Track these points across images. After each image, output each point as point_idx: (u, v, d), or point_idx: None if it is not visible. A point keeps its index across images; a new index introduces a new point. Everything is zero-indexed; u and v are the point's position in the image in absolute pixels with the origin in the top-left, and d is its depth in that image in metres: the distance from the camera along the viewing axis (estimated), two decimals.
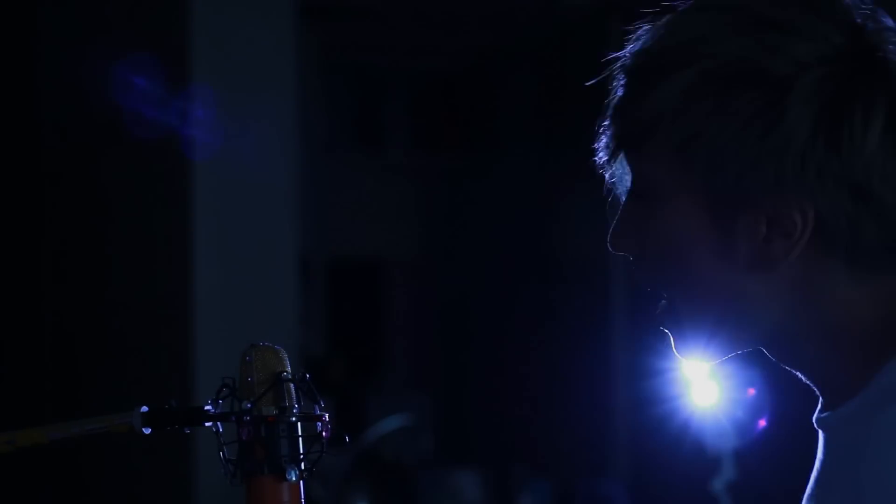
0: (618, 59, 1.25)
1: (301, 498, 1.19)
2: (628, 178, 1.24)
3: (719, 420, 3.04)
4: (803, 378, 1.25)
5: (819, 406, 1.24)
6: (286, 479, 1.18)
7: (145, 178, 3.97)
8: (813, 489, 1.21)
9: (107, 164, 4.06)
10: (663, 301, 1.24)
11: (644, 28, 1.24)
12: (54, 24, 4.18)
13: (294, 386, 1.20)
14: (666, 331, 1.25)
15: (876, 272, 1.19)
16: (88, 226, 4.11)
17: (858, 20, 1.19)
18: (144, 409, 1.22)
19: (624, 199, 1.25)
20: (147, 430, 1.22)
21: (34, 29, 4.21)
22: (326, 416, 1.20)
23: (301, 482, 1.19)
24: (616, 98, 1.23)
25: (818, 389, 1.24)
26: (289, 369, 1.20)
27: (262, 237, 3.92)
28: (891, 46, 1.19)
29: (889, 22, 1.21)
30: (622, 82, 1.23)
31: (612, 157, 1.24)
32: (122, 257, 4.03)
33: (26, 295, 4.25)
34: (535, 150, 5.78)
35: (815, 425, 1.24)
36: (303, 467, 1.19)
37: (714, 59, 1.17)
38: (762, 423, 2.84)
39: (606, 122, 1.24)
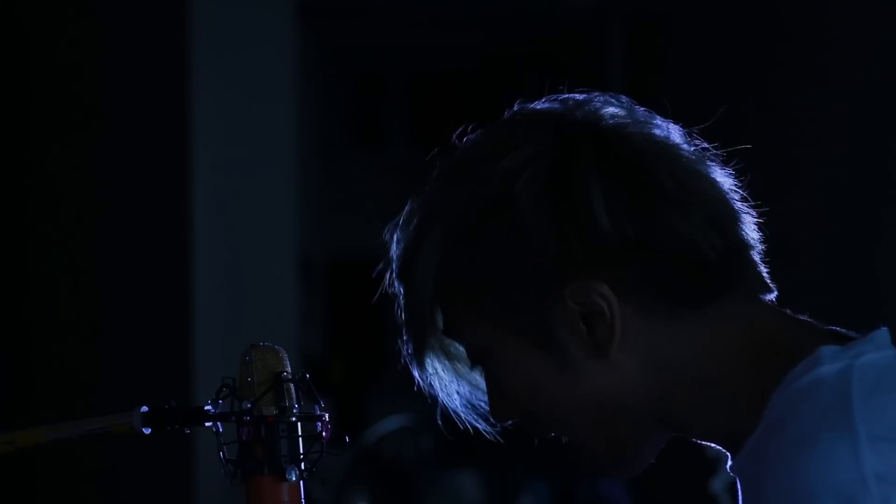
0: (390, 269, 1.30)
1: (301, 498, 1.19)
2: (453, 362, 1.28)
3: None
4: (708, 443, 1.25)
5: (729, 459, 1.23)
6: (286, 479, 1.18)
7: (145, 178, 3.97)
8: None
9: (106, 164, 4.06)
10: (566, 442, 1.28)
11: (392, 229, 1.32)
12: (51, 24, 4.18)
13: (294, 386, 1.20)
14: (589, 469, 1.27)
15: (703, 305, 1.20)
16: (88, 225, 4.11)
17: (570, 111, 1.23)
18: (144, 409, 1.22)
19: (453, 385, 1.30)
20: (147, 430, 1.22)
21: (29, 28, 4.21)
22: (326, 416, 1.20)
23: (301, 482, 1.19)
24: (401, 308, 1.27)
25: (722, 446, 1.24)
26: (289, 369, 1.20)
27: (262, 237, 3.92)
28: (602, 110, 1.22)
29: (592, 97, 1.25)
30: (400, 291, 1.27)
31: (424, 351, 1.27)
32: (122, 257, 4.03)
33: (25, 295, 4.25)
34: None
35: (731, 474, 1.23)
36: (303, 467, 1.19)
37: (445, 218, 1.22)
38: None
39: (407, 334, 1.27)
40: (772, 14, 4.23)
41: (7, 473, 4.13)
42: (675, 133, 1.25)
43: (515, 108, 1.31)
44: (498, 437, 1.34)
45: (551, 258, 1.17)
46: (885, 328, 1.21)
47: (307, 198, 4.56)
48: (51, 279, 4.21)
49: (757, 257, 1.23)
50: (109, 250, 4.06)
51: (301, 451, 1.19)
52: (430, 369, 1.29)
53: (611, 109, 1.24)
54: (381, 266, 1.32)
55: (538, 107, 1.27)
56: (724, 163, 1.27)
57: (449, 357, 1.30)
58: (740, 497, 1.22)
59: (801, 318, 1.24)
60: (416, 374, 1.30)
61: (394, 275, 1.28)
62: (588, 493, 4.69)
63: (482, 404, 1.33)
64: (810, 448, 1.10)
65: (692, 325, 1.20)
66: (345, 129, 6.04)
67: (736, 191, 1.24)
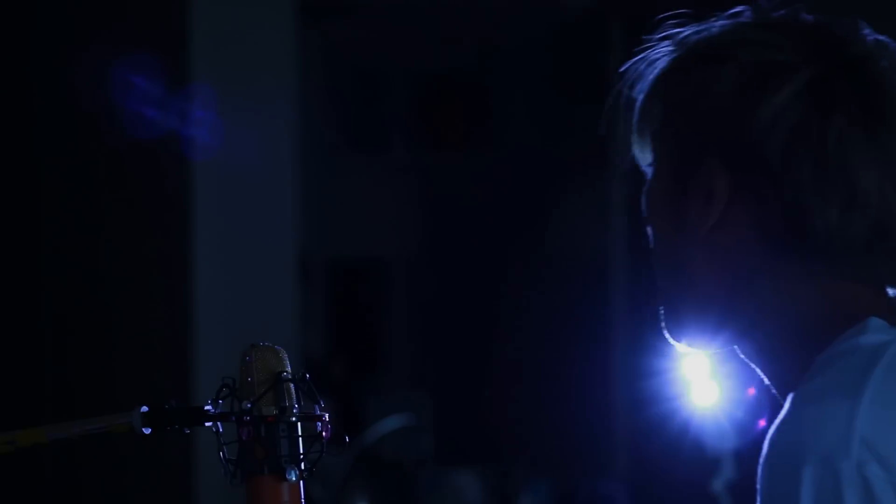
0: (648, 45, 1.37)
1: (301, 498, 1.19)
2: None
3: (719, 420, 3.04)
4: (766, 380, 1.28)
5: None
6: (286, 479, 1.18)
7: (145, 178, 3.97)
8: None
9: (105, 164, 4.06)
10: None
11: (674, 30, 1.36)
12: (50, 24, 4.18)
13: (294, 386, 1.20)
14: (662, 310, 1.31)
15: (840, 276, 1.22)
16: (88, 226, 4.11)
17: (849, 37, 1.26)
18: (144, 409, 1.22)
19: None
20: (147, 430, 1.22)
21: (29, 28, 4.21)
22: (326, 416, 1.20)
23: (301, 482, 1.19)
24: (662, 81, 1.32)
25: (769, 381, 1.27)
26: (289, 369, 1.20)
27: (262, 237, 3.92)
28: (882, 63, 1.24)
29: (878, 41, 1.27)
30: (667, 67, 1.32)
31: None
32: (122, 257, 4.03)
33: (24, 295, 4.25)
34: (535, 149, 5.78)
35: None
36: (303, 467, 1.19)
37: (745, 54, 1.24)
38: (762, 423, 2.84)
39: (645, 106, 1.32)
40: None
41: (8, 473, 4.13)
42: None
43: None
44: None
45: (722, 117, 1.22)
46: None
47: (307, 198, 4.55)
48: (51, 279, 4.21)
49: None
50: (110, 250, 4.06)
51: (301, 451, 1.19)
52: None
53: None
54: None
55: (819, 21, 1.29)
56: None
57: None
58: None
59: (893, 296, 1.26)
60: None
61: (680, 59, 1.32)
62: (588, 493, 4.69)
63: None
64: (812, 403, 1.13)
65: (820, 288, 1.22)
66: (345, 130, 6.04)
67: None
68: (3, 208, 4.28)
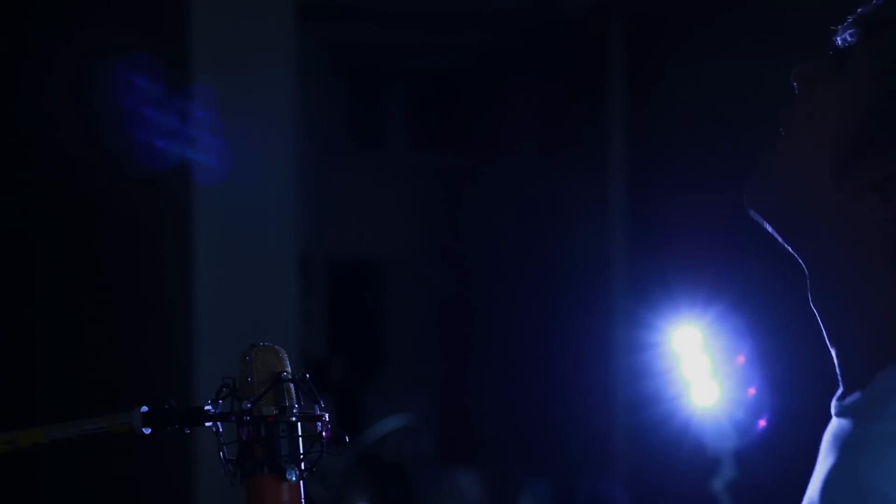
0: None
1: (301, 498, 1.19)
2: None
3: (719, 420, 3.04)
4: (833, 353, 1.25)
5: (838, 392, 1.24)
6: (286, 479, 1.18)
7: (144, 178, 3.97)
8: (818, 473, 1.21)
9: (105, 164, 4.06)
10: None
11: None
12: (50, 24, 4.18)
13: (294, 386, 1.20)
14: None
15: None
16: (88, 226, 4.11)
17: None
18: (144, 409, 1.22)
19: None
20: (147, 430, 1.22)
21: (29, 28, 4.21)
22: (326, 416, 1.20)
23: (301, 482, 1.19)
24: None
25: (838, 359, 1.25)
26: (289, 369, 1.20)
27: (262, 237, 3.92)
28: None
29: None
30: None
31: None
32: (122, 257, 4.03)
33: (24, 294, 4.25)
34: (535, 149, 5.78)
35: (832, 413, 1.24)
36: (303, 467, 1.19)
37: None
38: (762, 423, 2.83)
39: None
40: (771, 14, 4.23)
41: (7, 473, 4.13)
42: None
43: None
44: None
45: None
46: None
47: (307, 198, 4.56)
48: (51, 279, 4.21)
49: None
50: (110, 250, 4.06)
51: (301, 451, 1.18)
52: None
53: None
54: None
55: None
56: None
57: None
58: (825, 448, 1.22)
59: None
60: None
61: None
62: (588, 493, 4.69)
63: None
64: (883, 449, 1.11)
65: None
66: (345, 129, 6.04)
67: None
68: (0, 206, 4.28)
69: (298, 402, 1.20)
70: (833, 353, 1.25)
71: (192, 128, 3.79)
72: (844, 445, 1.15)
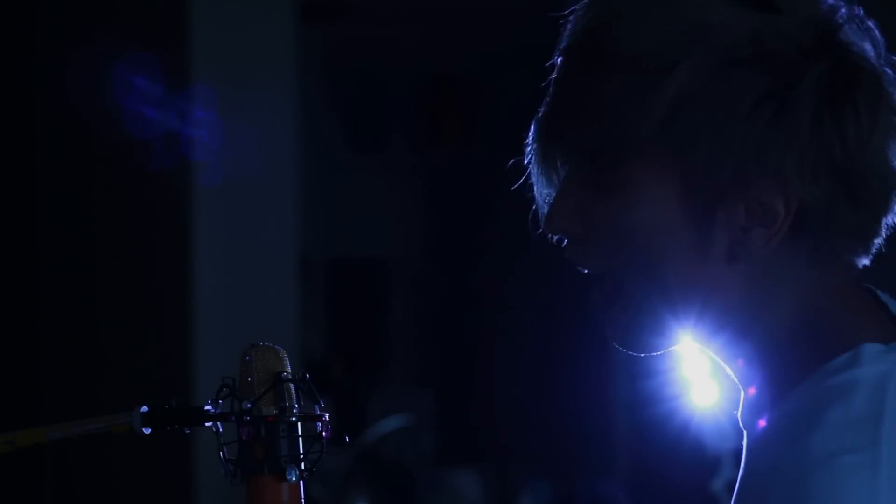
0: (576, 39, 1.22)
1: (301, 498, 1.19)
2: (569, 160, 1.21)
3: (719, 420, 3.04)
4: (731, 372, 1.22)
5: (741, 402, 1.22)
6: (286, 479, 1.18)
7: (144, 178, 3.97)
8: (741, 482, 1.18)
9: (105, 164, 4.06)
10: (607, 284, 1.21)
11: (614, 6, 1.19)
12: (50, 23, 4.18)
13: (294, 386, 1.20)
14: (608, 315, 1.22)
15: (835, 260, 1.17)
16: (87, 226, 4.11)
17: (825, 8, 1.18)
18: (144, 409, 1.22)
19: (561, 177, 1.22)
20: (147, 430, 1.22)
21: (29, 27, 4.21)
22: (326, 416, 1.20)
23: (301, 482, 1.19)
24: (587, 91, 1.18)
25: (738, 380, 1.22)
26: (289, 369, 1.20)
27: (262, 237, 3.92)
28: (855, 41, 1.17)
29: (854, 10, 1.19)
30: (596, 75, 1.17)
31: (574, 150, 1.20)
32: (122, 257, 4.03)
33: (24, 294, 4.25)
34: None
35: (738, 417, 1.22)
36: (303, 467, 1.19)
37: (714, 44, 1.13)
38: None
39: (563, 115, 1.20)
40: None
41: (7, 473, 4.13)
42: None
43: None
44: None
45: (796, 147, 1.12)
46: None
47: (307, 198, 4.56)
48: (51, 279, 4.21)
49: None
50: (110, 250, 4.06)
51: (301, 451, 1.19)
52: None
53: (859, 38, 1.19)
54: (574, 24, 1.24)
55: None
56: None
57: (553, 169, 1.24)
58: (744, 457, 1.20)
59: (866, 287, 1.22)
60: None
61: (609, 51, 1.17)
62: (588, 493, 4.69)
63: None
64: (828, 473, 1.07)
65: (812, 271, 1.17)
66: (345, 130, 6.04)
67: None
68: (0, 206, 4.28)
69: (298, 402, 1.20)
70: (730, 369, 1.22)
71: (191, 128, 3.79)
72: (785, 466, 1.11)
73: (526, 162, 1.26)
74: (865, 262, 1.20)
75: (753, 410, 1.20)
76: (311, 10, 4.57)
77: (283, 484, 1.18)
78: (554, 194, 1.25)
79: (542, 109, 1.24)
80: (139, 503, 3.98)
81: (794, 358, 1.17)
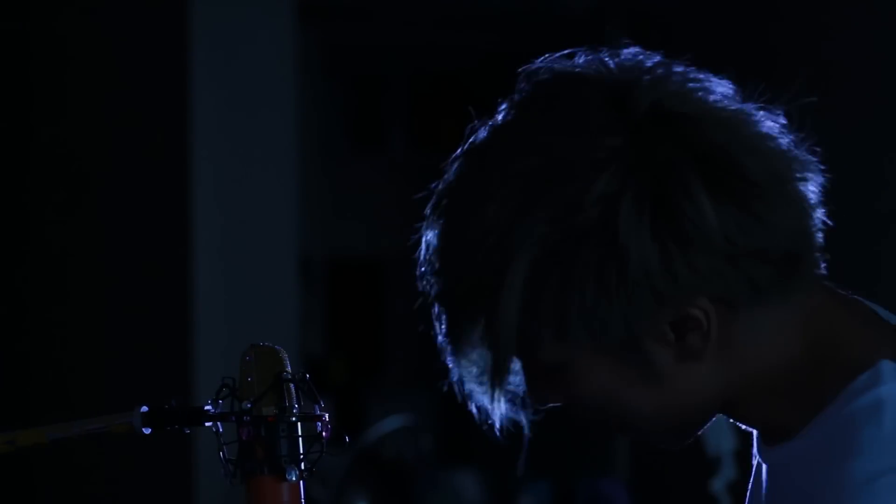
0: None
1: (301, 498, 1.19)
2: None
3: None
4: (738, 423, 1.25)
5: (756, 439, 1.24)
6: (286, 479, 1.18)
7: (145, 178, 3.97)
8: None
9: (105, 163, 4.06)
10: (610, 424, 1.24)
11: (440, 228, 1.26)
12: (50, 23, 4.18)
13: (294, 386, 1.20)
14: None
15: (785, 303, 1.17)
16: (87, 225, 4.11)
17: (631, 89, 1.16)
18: (144, 409, 1.22)
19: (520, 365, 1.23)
20: (147, 430, 1.22)
21: (28, 26, 4.21)
22: (326, 416, 1.20)
23: (301, 482, 1.19)
24: (465, 314, 1.21)
25: (753, 428, 1.24)
26: (289, 369, 1.20)
27: (262, 237, 3.92)
28: (679, 102, 1.16)
29: (671, 71, 1.19)
30: (469, 315, 1.20)
31: (501, 370, 1.21)
32: (122, 257, 4.03)
33: (24, 294, 4.25)
34: None
35: (759, 457, 1.23)
36: (303, 467, 1.19)
37: (527, 248, 1.14)
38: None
39: (464, 331, 1.22)
40: (772, 14, 4.23)
41: (6, 473, 4.13)
42: (729, 91, 1.21)
43: (544, 73, 1.28)
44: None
45: (652, 282, 1.13)
46: None
47: (307, 198, 4.55)
48: (51, 279, 4.20)
49: (818, 232, 1.20)
50: (110, 250, 4.06)
51: (301, 451, 1.19)
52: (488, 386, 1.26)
53: (674, 85, 1.19)
54: (424, 271, 1.31)
55: (590, 84, 1.19)
56: None
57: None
58: (765, 487, 1.22)
59: (855, 300, 1.22)
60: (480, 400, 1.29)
61: (460, 297, 1.22)
62: (588, 493, 4.69)
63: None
64: (874, 494, 1.09)
65: (767, 319, 1.17)
66: (344, 130, 6.03)
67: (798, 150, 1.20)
68: None
69: (298, 402, 1.20)
70: (736, 421, 1.25)
71: (191, 127, 3.79)
72: (828, 492, 1.13)
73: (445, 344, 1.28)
74: (822, 268, 1.20)
75: (771, 441, 1.21)
76: (311, 10, 4.57)
77: (283, 484, 1.18)
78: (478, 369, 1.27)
79: (446, 322, 1.27)
80: (139, 503, 3.97)
81: (809, 386, 1.18)
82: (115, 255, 4.05)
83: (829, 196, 1.21)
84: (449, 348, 1.27)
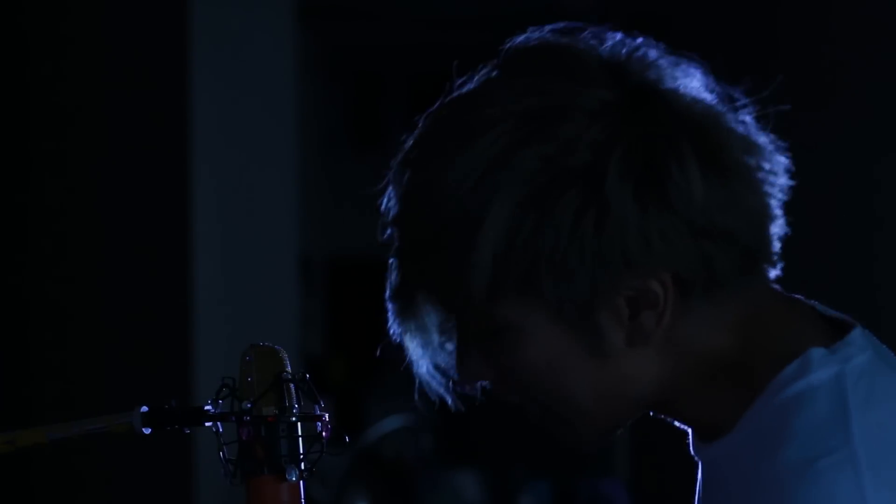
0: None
1: (301, 498, 1.19)
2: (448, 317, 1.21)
3: None
4: (674, 421, 1.23)
5: (691, 437, 1.22)
6: (286, 479, 1.18)
7: (145, 178, 3.97)
8: None
9: (105, 163, 4.06)
10: (534, 406, 1.22)
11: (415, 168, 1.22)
12: (49, 23, 4.18)
13: (294, 386, 1.20)
14: (551, 432, 1.23)
15: (733, 296, 1.16)
16: (88, 225, 4.11)
17: (621, 61, 1.19)
18: (144, 409, 1.22)
19: (453, 333, 1.23)
20: (147, 430, 1.22)
21: (28, 28, 4.21)
22: (326, 416, 1.20)
23: (301, 482, 1.19)
24: (424, 264, 1.20)
25: (687, 426, 1.22)
26: (289, 369, 1.20)
27: (262, 237, 3.92)
28: (665, 79, 1.17)
29: (653, 54, 1.20)
30: (427, 246, 1.19)
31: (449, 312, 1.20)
32: (122, 257, 4.03)
33: (23, 294, 4.25)
34: None
35: (694, 455, 1.22)
36: (303, 467, 1.19)
37: (513, 185, 1.13)
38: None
39: (415, 287, 1.22)
40: (772, 15, 4.23)
41: (5, 473, 4.13)
42: (707, 82, 1.21)
43: (534, 41, 1.28)
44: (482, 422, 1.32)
45: (625, 241, 1.11)
46: (858, 328, 1.18)
47: (307, 198, 4.56)
48: (51, 279, 4.20)
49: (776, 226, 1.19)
50: (109, 250, 4.06)
51: (301, 451, 1.19)
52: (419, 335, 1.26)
53: (664, 63, 1.20)
54: (391, 202, 1.26)
55: (583, 50, 1.23)
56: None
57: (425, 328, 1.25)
58: (699, 485, 1.21)
59: (796, 299, 1.21)
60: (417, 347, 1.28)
61: (426, 242, 1.19)
62: (588, 493, 4.69)
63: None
64: (811, 479, 1.07)
65: (712, 313, 1.16)
66: (345, 129, 6.04)
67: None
68: None
69: (298, 402, 1.20)
70: (672, 420, 1.23)
71: (191, 127, 3.79)
72: (760, 482, 1.11)
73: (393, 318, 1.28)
74: (777, 271, 1.19)
75: (706, 438, 1.20)
76: (311, 10, 4.57)
77: (283, 484, 1.18)
78: (444, 341, 1.27)
79: (395, 279, 1.27)
80: (139, 503, 3.98)
81: (741, 381, 1.16)
82: (115, 255, 4.05)
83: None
84: (400, 306, 1.28)
